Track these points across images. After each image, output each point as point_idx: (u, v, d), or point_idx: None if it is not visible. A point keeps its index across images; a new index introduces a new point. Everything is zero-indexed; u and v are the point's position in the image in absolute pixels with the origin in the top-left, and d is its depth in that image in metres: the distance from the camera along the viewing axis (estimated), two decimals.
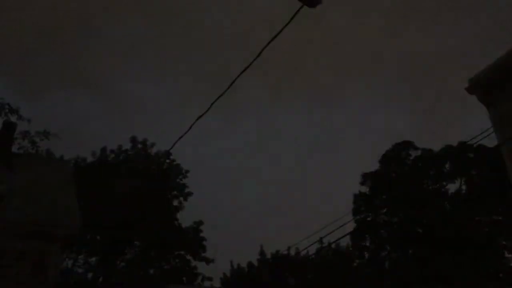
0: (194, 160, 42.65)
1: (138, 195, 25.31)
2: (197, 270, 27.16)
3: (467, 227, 22.77)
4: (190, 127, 6.07)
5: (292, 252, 29.78)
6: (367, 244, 26.39)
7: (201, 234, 27.65)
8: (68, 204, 11.79)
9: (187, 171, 28.27)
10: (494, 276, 22.87)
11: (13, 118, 20.56)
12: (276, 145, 55.01)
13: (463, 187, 24.90)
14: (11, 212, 10.67)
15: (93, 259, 26.07)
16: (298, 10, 4.26)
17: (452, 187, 25.21)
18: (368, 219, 26.19)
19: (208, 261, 27.12)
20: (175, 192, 27.79)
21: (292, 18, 4.47)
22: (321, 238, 24.76)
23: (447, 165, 25.23)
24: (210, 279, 27.38)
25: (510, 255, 23.65)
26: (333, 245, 29.23)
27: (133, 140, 28.07)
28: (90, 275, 26.22)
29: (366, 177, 26.67)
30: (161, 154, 27.49)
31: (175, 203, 27.66)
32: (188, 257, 27.04)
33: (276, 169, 51.84)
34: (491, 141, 9.15)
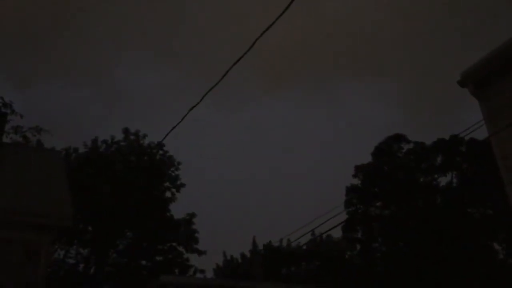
0: (187, 151, 42.54)
1: (130, 186, 25.26)
2: (190, 262, 27.23)
3: (458, 220, 22.97)
4: (183, 118, 6.05)
5: (284, 243, 30.01)
6: (359, 236, 26.58)
7: (194, 226, 27.69)
8: (59, 194, 11.74)
9: (179, 163, 28.22)
10: (483, 269, 23.13)
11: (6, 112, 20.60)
12: (270, 137, 54.97)
13: (454, 180, 25.10)
14: (1, 201, 10.61)
15: (85, 250, 26.04)
16: (292, 1, 4.24)
17: (443, 180, 25.41)
18: (360, 211, 26.33)
19: (200, 253, 27.19)
20: (167, 184, 27.74)
21: (286, 8, 4.45)
22: (313, 230, 24.93)
23: (438, 159, 25.39)
24: (202, 271, 27.47)
25: (499, 248, 23.92)
26: (324, 236, 29.42)
27: (126, 131, 27.95)
28: (81, 266, 26.19)
29: (358, 170, 26.79)
30: (153, 146, 27.38)
31: (168, 194, 27.63)
32: (181, 248, 27.07)
33: (270, 160, 51.85)
34: (484, 134, 9.21)
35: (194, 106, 5.74)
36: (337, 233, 29.10)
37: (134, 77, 52.93)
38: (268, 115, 55.75)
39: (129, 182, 25.33)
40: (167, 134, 6.46)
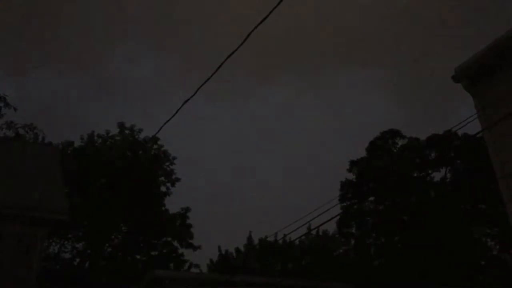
0: (182, 145, 42.49)
1: (125, 180, 25.26)
2: (184, 257, 27.28)
3: (451, 215, 23.11)
4: (176, 112, 6.05)
5: (279, 238, 30.10)
6: (353, 231, 26.70)
7: (188, 221, 27.75)
8: (54, 188, 11.74)
9: (174, 158, 28.26)
10: (476, 264, 23.31)
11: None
12: (264, 130, 54.78)
13: (448, 175, 25.23)
14: None
15: (80, 244, 26.06)
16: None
17: (437, 176, 25.55)
18: (355, 206, 26.43)
19: (195, 248, 27.25)
20: (162, 178, 27.78)
21: (279, 3, 4.46)
22: (309, 223, 24.98)
23: (432, 154, 25.50)
24: (197, 266, 27.53)
25: (492, 243, 24.08)
26: (319, 232, 29.54)
27: (121, 125, 27.97)
28: (77, 260, 26.20)
29: (353, 164, 26.89)
30: (148, 140, 27.41)
31: (163, 189, 27.67)
32: (176, 243, 27.12)
33: (265, 154, 51.74)
34: (478, 129, 9.25)
35: (188, 100, 5.75)
36: (332, 228, 29.25)
37: (129, 67, 52.61)
38: (261, 107, 55.42)
39: (124, 177, 25.33)
40: (161, 128, 6.46)
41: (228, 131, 52.94)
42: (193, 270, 27.13)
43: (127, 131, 27.97)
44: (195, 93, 5.70)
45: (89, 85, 51.07)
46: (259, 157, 49.92)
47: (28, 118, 25.90)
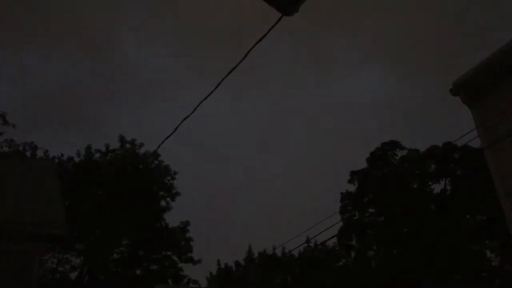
0: (182, 157, 42.16)
1: (125, 195, 25.18)
2: (183, 271, 27.12)
3: (451, 227, 23.02)
4: (176, 128, 6.04)
5: (279, 251, 29.96)
6: (353, 243, 26.59)
7: (188, 234, 27.63)
8: (52, 203, 11.67)
9: (175, 173, 28.27)
10: (477, 275, 23.18)
11: None
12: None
13: (448, 187, 25.17)
14: None
15: (79, 258, 25.90)
16: (279, 20, 4.24)
17: (437, 187, 25.51)
18: (355, 218, 26.37)
19: (194, 262, 27.07)
20: (162, 193, 27.74)
21: (275, 24, 4.45)
22: (308, 238, 24.90)
23: (432, 166, 25.49)
24: (195, 282, 27.30)
25: (492, 255, 23.96)
26: (318, 243, 29.42)
27: (122, 139, 28.05)
28: (75, 274, 26.03)
29: (353, 175, 26.89)
30: (149, 155, 27.49)
31: (163, 203, 27.62)
32: (175, 258, 26.96)
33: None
34: (478, 141, 9.22)
35: (187, 117, 5.74)
36: (332, 240, 29.05)
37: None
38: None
39: (125, 191, 25.28)
40: (160, 144, 6.44)
41: (226, 145, 52.34)
42: (192, 285, 26.93)
43: (128, 145, 28.04)
44: (194, 110, 5.70)
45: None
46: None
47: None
